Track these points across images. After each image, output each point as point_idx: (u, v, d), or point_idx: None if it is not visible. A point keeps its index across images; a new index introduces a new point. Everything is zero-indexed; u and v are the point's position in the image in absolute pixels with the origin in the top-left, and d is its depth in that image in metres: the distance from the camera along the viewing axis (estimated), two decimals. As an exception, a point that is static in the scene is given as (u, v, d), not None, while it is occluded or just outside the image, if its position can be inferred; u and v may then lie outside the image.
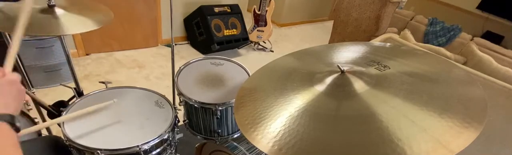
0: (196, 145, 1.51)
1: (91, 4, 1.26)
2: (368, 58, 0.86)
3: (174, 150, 1.24)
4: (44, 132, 1.61)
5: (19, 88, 0.64)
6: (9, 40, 1.29)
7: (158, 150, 1.13)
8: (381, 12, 2.87)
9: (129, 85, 1.30)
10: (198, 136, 1.45)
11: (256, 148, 1.34)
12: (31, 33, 1.08)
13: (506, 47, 2.71)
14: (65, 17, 1.12)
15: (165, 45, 3.38)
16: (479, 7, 3.90)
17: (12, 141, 0.54)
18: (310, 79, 0.81)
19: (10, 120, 0.56)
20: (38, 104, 1.37)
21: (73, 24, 1.11)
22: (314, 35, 4.34)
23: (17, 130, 0.57)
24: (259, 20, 3.38)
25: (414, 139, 0.58)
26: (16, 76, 0.65)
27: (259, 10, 3.33)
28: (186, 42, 3.51)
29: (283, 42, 3.96)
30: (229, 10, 3.20)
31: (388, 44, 0.97)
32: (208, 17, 3.06)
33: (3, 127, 0.54)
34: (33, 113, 1.28)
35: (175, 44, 3.41)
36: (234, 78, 1.35)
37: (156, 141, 1.06)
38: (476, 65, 2.16)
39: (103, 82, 1.35)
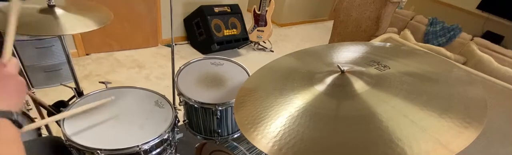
0: (196, 145, 1.52)
1: (91, 4, 1.26)
2: (368, 58, 0.86)
3: (174, 150, 1.24)
4: (44, 132, 1.61)
5: (18, 81, 0.60)
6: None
7: (158, 150, 1.12)
8: (381, 12, 2.87)
9: (129, 85, 1.30)
10: (198, 136, 1.45)
11: (256, 148, 1.35)
12: (31, 33, 1.08)
13: (506, 47, 2.71)
14: (65, 17, 1.12)
15: (165, 45, 3.38)
16: (479, 7, 3.90)
17: (13, 137, 0.53)
18: (310, 79, 0.81)
19: (10, 116, 0.54)
20: (38, 104, 1.37)
21: (72, 24, 1.11)
22: (314, 35, 4.34)
23: (19, 126, 0.56)
24: (259, 20, 3.38)
25: (414, 139, 0.58)
26: (15, 66, 0.61)
27: (259, 10, 3.33)
28: (186, 42, 3.51)
29: (283, 42, 3.96)
30: (229, 10, 3.20)
31: (388, 44, 0.97)
32: (208, 17, 3.06)
33: (4, 123, 0.53)
34: (33, 113, 1.28)
35: (175, 44, 3.41)
36: (234, 78, 1.35)
37: (156, 141, 1.06)
38: (476, 65, 2.16)
39: (103, 82, 1.35)
